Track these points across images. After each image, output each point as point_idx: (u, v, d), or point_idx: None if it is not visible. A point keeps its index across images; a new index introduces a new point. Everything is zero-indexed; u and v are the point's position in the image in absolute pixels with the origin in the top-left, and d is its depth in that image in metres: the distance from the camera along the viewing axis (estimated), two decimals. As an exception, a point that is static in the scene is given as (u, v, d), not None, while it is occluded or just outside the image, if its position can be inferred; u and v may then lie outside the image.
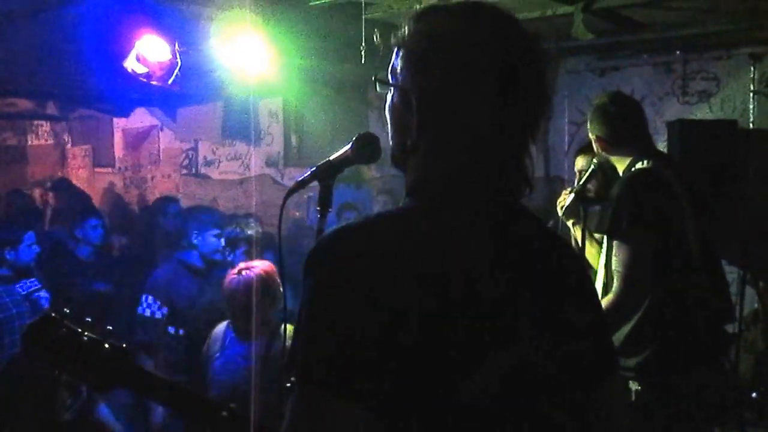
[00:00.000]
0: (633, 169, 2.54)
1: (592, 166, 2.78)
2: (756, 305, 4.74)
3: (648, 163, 2.52)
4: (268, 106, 7.00)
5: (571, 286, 1.09)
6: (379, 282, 0.92)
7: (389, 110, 1.10)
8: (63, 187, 7.22)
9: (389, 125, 1.11)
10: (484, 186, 1.04)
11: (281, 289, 2.77)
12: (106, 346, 1.43)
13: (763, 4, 3.82)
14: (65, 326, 1.43)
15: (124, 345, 1.46)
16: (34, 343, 1.42)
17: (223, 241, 3.99)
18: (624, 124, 2.60)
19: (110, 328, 1.51)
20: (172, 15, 3.14)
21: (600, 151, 2.64)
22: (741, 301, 4.60)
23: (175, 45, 3.21)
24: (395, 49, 1.08)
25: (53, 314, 1.44)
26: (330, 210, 1.37)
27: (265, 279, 2.94)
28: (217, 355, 3.06)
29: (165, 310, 3.85)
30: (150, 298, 3.85)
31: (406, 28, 1.06)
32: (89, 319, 1.48)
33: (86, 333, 1.43)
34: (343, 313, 0.91)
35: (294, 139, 7.08)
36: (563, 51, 5.27)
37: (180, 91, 4.27)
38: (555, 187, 5.54)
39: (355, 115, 6.31)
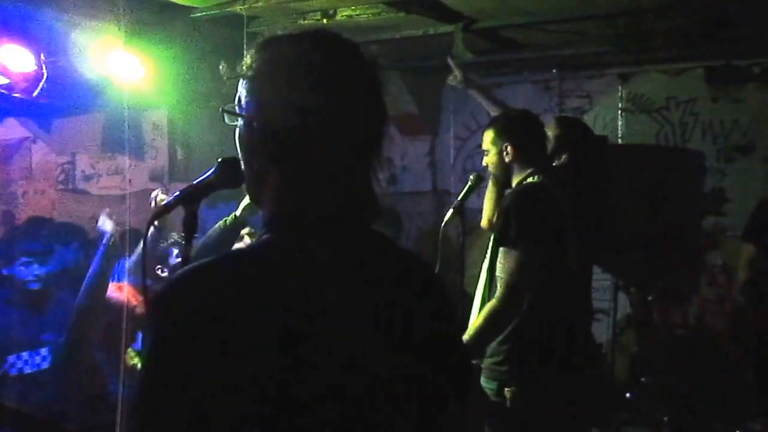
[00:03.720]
0: (525, 182, 2.64)
1: (470, 182, 2.87)
2: (628, 310, 5.03)
3: (538, 178, 2.63)
4: (151, 118, 6.77)
5: (425, 308, 1.09)
6: (223, 332, 0.90)
7: (238, 141, 1.08)
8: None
9: (240, 157, 1.09)
10: (335, 215, 1.03)
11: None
12: None
13: (630, 29, 4.07)
14: None
15: None
16: None
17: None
18: (538, 139, 2.72)
19: None
20: (37, 23, 2.97)
21: (509, 161, 2.69)
22: (615, 306, 4.88)
23: (40, 55, 3.04)
24: (240, 80, 1.07)
25: None
26: (196, 235, 1.33)
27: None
28: None
29: None
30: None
31: (249, 57, 1.06)
32: None
33: None
34: (183, 371, 0.90)
35: (180, 153, 6.87)
36: (449, 68, 5.41)
37: (51, 103, 4.04)
38: (442, 201, 5.68)
39: (243, 128, 6.21)
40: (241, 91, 1.06)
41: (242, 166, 1.09)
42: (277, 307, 0.93)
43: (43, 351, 3.57)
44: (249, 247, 1.03)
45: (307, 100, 1.00)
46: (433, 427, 1.06)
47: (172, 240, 3.51)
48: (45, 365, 3.49)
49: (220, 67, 1.08)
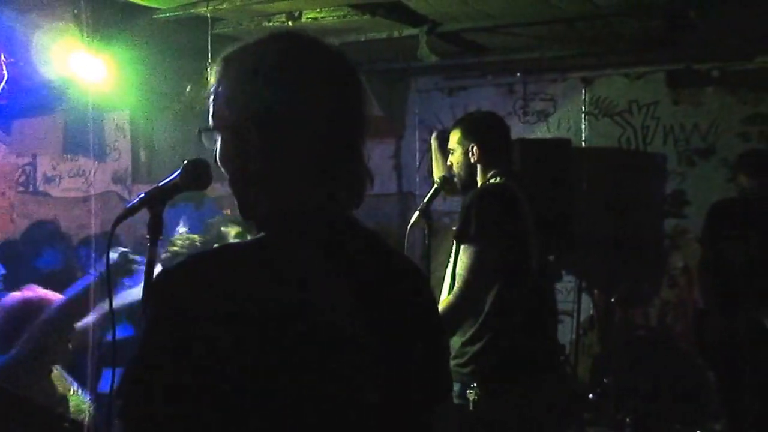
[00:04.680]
0: (488, 183, 2.66)
1: (435, 185, 2.88)
2: (591, 312, 5.10)
3: (502, 179, 2.65)
4: (114, 119, 6.67)
5: (410, 307, 1.11)
6: (214, 323, 0.91)
7: (223, 157, 1.07)
8: None
9: (228, 174, 1.07)
10: (325, 210, 1.05)
11: None
12: None
13: (592, 33, 4.14)
14: None
15: None
16: None
17: None
18: (503, 141, 2.74)
19: None
20: (-3, 24, 2.92)
21: (474, 161, 2.71)
22: (578, 308, 4.95)
23: (0, 56, 2.98)
24: (212, 94, 1.07)
25: None
26: (161, 237, 1.32)
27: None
28: None
29: None
30: None
31: (218, 72, 1.06)
32: None
33: None
34: (175, 358, 0.90)
35: (143, 155, 6.78)
36: (413, 71, 5.44)
37: (11, 104, 3.97)
38: (407, 203, 5.70)
39: (208, 130, 6.15)
40: (218, 104, 1.06)
41: (233, 182, 1.07)
42: (270, 303, 0.94)
43: None
44: (247, 243, 1.03)
45: (295, 95, 1.02)
46: (416, 428, 1.08)
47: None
48: None
49: (187, 91, 1.09)
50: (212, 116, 1.07)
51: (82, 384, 2.93)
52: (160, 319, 0.93)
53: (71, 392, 2.62)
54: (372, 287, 1.05)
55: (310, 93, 1.03)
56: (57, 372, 2.62)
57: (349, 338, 0.99)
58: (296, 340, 0.94)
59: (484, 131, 2.74)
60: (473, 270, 2.47)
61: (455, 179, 2.82)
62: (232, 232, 3.22)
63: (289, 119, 1.02)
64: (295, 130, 1.02)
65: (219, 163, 1.08)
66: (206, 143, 1.09)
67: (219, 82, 1.06)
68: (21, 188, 7.31)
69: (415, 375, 1.07)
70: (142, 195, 1.33)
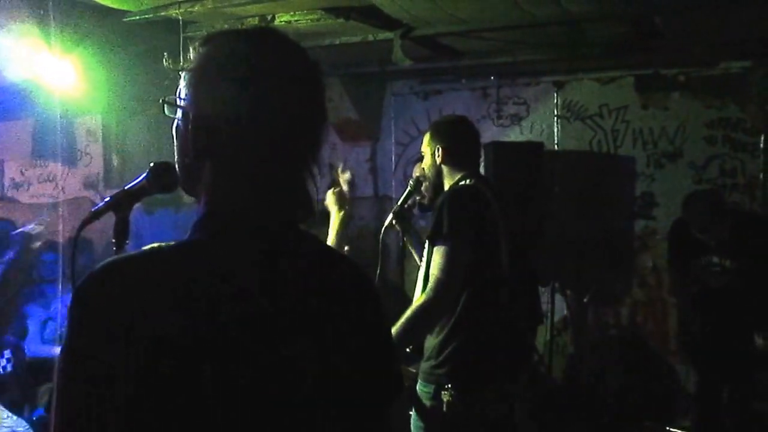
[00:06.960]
0: (458, 185, 2.68)
1: (409, 187, 2.90)
2: (565, 312, 5.15)
3: (471, 181, 2.67)
4: (85, 124, 6.60)
5: (351, 311, 1.08)
6: (139, 328, 0.89)
7: (174, 132, 1.08)
8: None
9: (175, 150, 1.08)
10: (263, 213, 1.03)
11: None
12: None
13: (563, 39, 4.18)
14: None
15: None
16: None
17: None
18: (468, 144, 2.77)
19: None
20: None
21: (439, 162, 2.74)
22: (551, 309, 4.99)
23: (-35, 59, 2.94)
24: (182, 73, 1.07)
25: None
26: (127, 242, 1.31)
27: None
28: None
29: None
30: None
31: (193, 51, 1.06)
32: None
33: None
34: (98, 359, 0.89)
35: (115, 160, 6.71)
36: (389, 75, 5.46)
37: (-22, 108, 3.90)
38: (383, 206, 5.71)
39: (181, 134, 6.10)
40: (182, 84, 1.06)
41: (176, 164, 1.08)
42: (197, 308, 0.92)
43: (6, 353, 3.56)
44: (177, 245, 1.01)
45: (240, 95, 0.99)
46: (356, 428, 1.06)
47: None
48: (9, 368, 3.48)
49: (164, 61, 1.06)
50: (177, 93, 1.07)
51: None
52: (82, 322, 0.92)
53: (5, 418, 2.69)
54: (306, 292, 1.03)
55: (257, 97, 1.00)
56: None
57: (278, 344, 0.97)
58: (223, 339, 0.93)
59: (449, 134, 2.77)
60: (445, 268, 2.48)
61: (425, 182, 2.85)
62: None
63: (226, 119, 0.99)
64: (231, 131, 1.00)
65: (173, 133, 1.08)
66: (167, 112, 1.08)
67: (189, 62, 1.05)
68: (-11, 194, 7.19)
69: (352, 379, 1.05)
70: (108, 199, 1.31)
